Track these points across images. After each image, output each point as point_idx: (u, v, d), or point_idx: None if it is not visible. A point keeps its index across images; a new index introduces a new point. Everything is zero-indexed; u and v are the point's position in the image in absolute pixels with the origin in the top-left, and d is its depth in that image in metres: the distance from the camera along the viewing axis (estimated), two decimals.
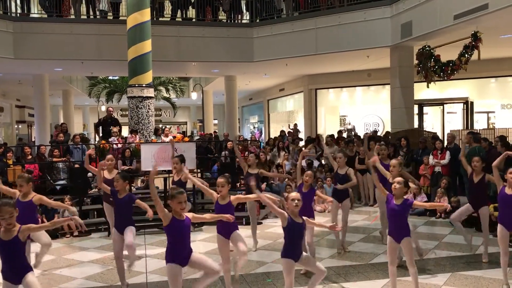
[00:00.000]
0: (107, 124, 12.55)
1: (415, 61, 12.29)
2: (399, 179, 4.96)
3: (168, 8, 15.25)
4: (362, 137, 13.31)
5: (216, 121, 31.45)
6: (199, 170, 11.17)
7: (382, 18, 12.65)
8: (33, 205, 5.54)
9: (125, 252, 5.53)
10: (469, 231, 6.84)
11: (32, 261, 5.72)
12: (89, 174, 9.67)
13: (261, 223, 9.17)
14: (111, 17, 14.64)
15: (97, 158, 9.64)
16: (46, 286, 5.85)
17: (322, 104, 19.93)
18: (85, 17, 14.69)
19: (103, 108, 26.04)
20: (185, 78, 26.23)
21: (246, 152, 11.87)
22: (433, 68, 11.49)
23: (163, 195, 9.27)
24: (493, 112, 17.28)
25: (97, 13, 14.67)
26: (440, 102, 17.15)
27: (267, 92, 25.02)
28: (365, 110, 19.42)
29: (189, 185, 7.13)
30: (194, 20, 15.28)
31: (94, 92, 23.96)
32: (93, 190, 9.86)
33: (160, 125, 19.60)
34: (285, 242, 4.39)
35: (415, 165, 10.75)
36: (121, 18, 14.23)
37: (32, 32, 13.53)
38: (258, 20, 15.23)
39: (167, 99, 25.96)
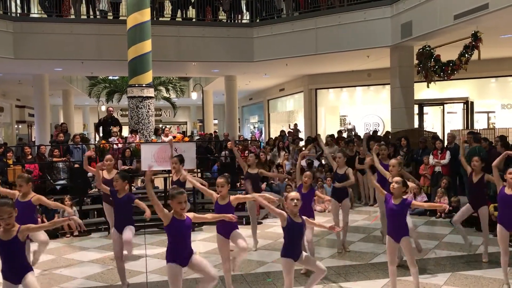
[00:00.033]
0: (107, 124, 12.55)
1: (415, 61, 12.28)
2: (397, 178, 4.97)
3: (168, 8, 15.25)
4: (362, 137, 13.31)
5: (216, 121, 31.45)
6: (199, 170, 11.17)
7: (382, 18, 12.65)
8: (32, 205, 5.55)
9: (125, 252, 5.54)
10: (469, 231, 6.83)
11: (30, 259, 5.72)
12: (89, 174, 9.67)
13: (261, 223, 9.17)
14: (111, 17, 14.64)
15: (97, 158, 9.64)
16: (46, 286, 5.85)
17: (322, 104, 19.93)
18: (85, 17, 14.69)
19: (103, 108, 26.04)
20: (185, 78, 26.23)
21: (246, 152, 11.88)
22: (433, 68, 11.48)
23: (163, 195, 9.28)
24: (493, 112, 17.27)
25: (97, 13, 14.68)
26: (440, 102, 17.15)
27: (267, 92, 25.02)
28: (365, 110, 19.42)
29: (188, 185, 7.13)
30: (194, 20, 15.28)
31: (94, 92, 23.96)
32: (93, 190, 9.85)
33: (160, 125, 19.60)
34: (285, 241, 4.39)
35: (415, 165, 10.75)
36: (121, 18, 14.23)
37: (32, 32, 13.53)
38: (258, 20, 15.23)
39: (167, 99, 25.96)
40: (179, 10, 15.13)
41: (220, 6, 15.47)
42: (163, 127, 14.50)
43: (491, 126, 16.50)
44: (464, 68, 10.89)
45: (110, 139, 11.42)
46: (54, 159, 10.54)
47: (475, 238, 7.25)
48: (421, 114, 17.17)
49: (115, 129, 11.73)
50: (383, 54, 13.45)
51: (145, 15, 11.87)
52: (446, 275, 5.90)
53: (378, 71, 16.66)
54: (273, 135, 21.12)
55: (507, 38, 11.68)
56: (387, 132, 14.06)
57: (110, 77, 24.02)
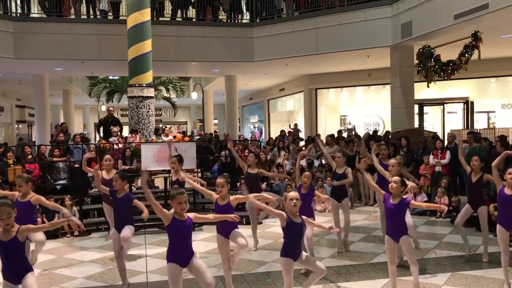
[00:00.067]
0: (108, 123, 12.55)
1: (415, 61, 12.28)
2: (395, 178, 4.97)
3: (168, 8, 15.25)
4: (362, 137, 13.32)
5: (216, 121, 31.46)
6: (199, 170, 11.18)
7: (382, 18, 12.65)
8: (32, 206, 5.54)
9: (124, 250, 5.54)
10: (469, 231, 6.83)
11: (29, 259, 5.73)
12: (89, 174, 9.67)
13: (261, 223, 9.17)
14: (111, 17, 14.64)
15: (97, 158, 9.64)
16: (47, 286, 5.86)
17: (322, 104, 19.94)
18: (85, 17, 14.70)
19: (103, 108, 26.04)
20: (185, 78, 26.23)
21: (246, 151, 11.89)
22: (434, 67, 11.49)
23: (163, 195, 9.29)
24: (494, 111, 17.28)
25: (97, 13, 14.68)
26: (440, 102, 17.15)
27: (267, 92, 25.02)
28: (365, 110, 19.42)
29: (188, 185, 7.14)
30: (194, 20, 15.28)
31: (94, 92, 23.96)
32: (93, 189, 9.85)
33: (160, 125, 19.62)
34: (284, 241, 4.40)
35: (416, 165, 10.74)
36: (121, 18, 14.24)
37: (32, 32, 13.53)
38: (258, 20, 15.24)
39: (167, 99, 25.96)
40: (179, 10, 15.13)
41: (220, 6, 15.48)
42: (163, 127, 14.50)
43: (491, 126, 16.50)
44: (464, 68, 10.89)
45: (110, 139, 11.42)
46: (54, 159, 10.54)
47: (475, 238, 7.25)
48: (421, 114, 17.17)
49: (115, 129, 11.74)
50: (383, 54, 13.45)
51: (145, 15, 11.88)
52: (446, 275, 5.89)
53: (378, 71, 16.66)
54: (273, 135, 21.12)
55: (507, 38, 11.68)
56: (387, 132, 14.06)
57: (110, 77, 24.03)
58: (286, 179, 10.27)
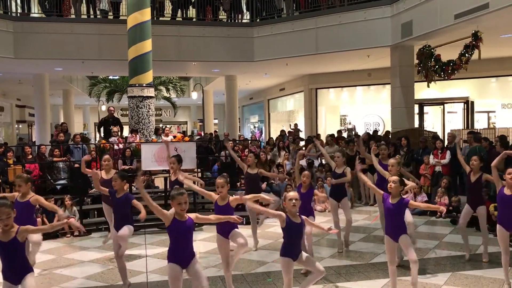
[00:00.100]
0: (108, 123, 12.55)
1: (416, 61, 12.28)
2: (394, 178, 4.96)
3: (168, 7, 15.25)
4: (360, 137, 13.32)
5: (216, 121, 31.46)
6: (199, 170, 11.18)
7: (382, 18, 12.64)
8: (31, 206, 5.52)
9: (126, 252, 5.54)
10: (469, 231, 6.83)
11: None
12: (89, 174, 9.66)
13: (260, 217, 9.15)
14: (111, 17, 14.65)
15: (97, 158, 9.64)
16: (47, 286, 5.86)
17: (322, 103, 19.94)
18: (86, 16, 14.70)
19: (104, 108, 26.04)
20: (185, 77, 26.23)
21: (246, 150, 11.89)
22: (434, 67, 11.48)
23: (163, 194, 9.29)
24: (494, 111, 17.27)
25: (98, 12, 14.68)
26: (440, 102, 17.15)
27: (267, 91, 25.02)
28: (365, 109, 19.42)
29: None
30: (194, 19, 15.29)
31: (94, 91, 23.97)
32: (93, 189, 9.83)
33: (161, 125, 19.62)
34: (284, 241, 4.40)
35: (416, 165, 10.74)
36: (121, 17, 14.24)
37: (32, 32, 13.53)
38: (258, 20, 15.23)
39: (168, 99, 25.97)
40: (179, 9, 15.13)
41: (220, 5, 15.48)
42: (164, 127, 14.50)
43: (491, 125, 16.50)
44: (465, 67, 10.89)
45: (110, 139, 11.42)
46: (55, 159, 10.54)
47: (475, 238, 7.24)
48: (421, 113, 17.17)
49: (115, 128, 11.74)
50: (383, 54, 13.45)
51: (146, 14, 11.88)
52: (446, 275, 5.89)
53: (378, 70, 16.66)
54: (273, 135, 21.12)
55: (507, 38, 11.67)
56: (387, 132, 14.06)
57: (111, 77, 24.03)
58: (286, 179, 10.26)
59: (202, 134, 21.18)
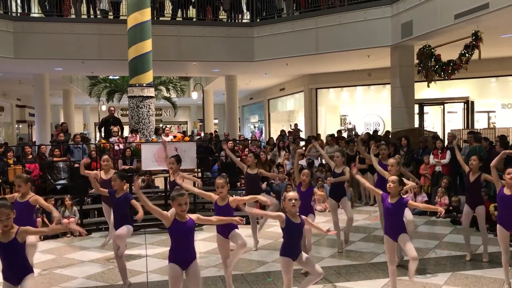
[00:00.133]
0: (109, 123, 12.55)
1: (416, 61, 12.28)
2: (393, 178, 4.97)
3: (168, 7, 15.25)
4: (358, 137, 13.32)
5: (216, 121, 31.45)
6: (199, 170, 11.18)
7: (382, 18, 12.64)
8: (31, 206, 5.51)
9: (126, 252, 5.54)
10: (470, 231, 6.83)
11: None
12: None
13: (260, 219, 9.15)
14: (111, 17, 14.64)
15: (97, 158, 9.64)
16: (47, 286, 5.86)
17: (322, 103, 19.93)
18: (86, 16, 14.70)
19: (104, 108, 26.04)
20: (185, 77, 26.23)
21: (246, 150, 11.89)
22: (434, 67, 11.48)
23: (163, 194, 9.29)
24: (494, 111, 17.27)
25: (98, 12, 14.68)
26: (440, 102, 17.15)
27: (267, 91, 25.02)
28: (365, 109, 19.42)
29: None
30: (194, 19, 15.29)
31: (94, 91, 23.97)
32: (93, 189, 9.84)
33: (161, 125, 19.61)
34: (284, 241, 4.41)
35: (416, 165, 10.74)
36: (121, 17, 14.23)
37: (32, 32, 13.53)
38: (258, 20, 15.23)
39: (168, 99, 25.97)
40: (179, 9, 15.13)
41: (220, 5, 15.48)
42: (164, 127, 14.50)
43: (491, 125, 16.50)
44: (465, 67, 10.89)
45: (111, 139, 11.42)
46: (55, 159, 10.54)
47: (475, 238, 7.24)
48: (421, 113, 17.17)
49: (115, 128, 11.74)
50: (383, 54, 13.45)
51: (146, 14, 11.87)
52: (446, 274, 5.90)
53: (378, 70, 16.66)
54: (273, 135, 21.12)
55: (507, 38, 11.67)
56: (387, 132, 14.06)
57: (111, 77, 24.03)
58: (286, 179, 10.26)
59: (202, 134, 21.18)
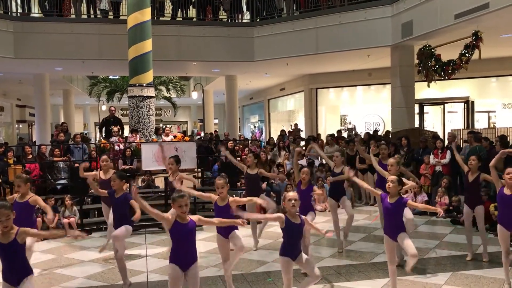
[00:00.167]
0: (110, 123, 12.55)
1: (416, 61, 12.28)
2: (392, 177, 4.97)
3: (168, 7, 15.25)
4: (362, 136, 13.32)
5: (216, 121, 31.45)
6: (199, 170, 11.18)
7: (382, 18, 12.64)
8: (30, 206, 5.50)
9: (126, 252, 5.54)
10: (472, 231, 6.83)
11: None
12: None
13: (260, 222, 9.14)
14: (111, 17, 14.64)
15: (97, 158, 9.64)
16: (47, 285, 5.86)
17: (322, 103, 19.93)
18: (86, 16, 14.70)
19: (104, 108, 26.03)
20: (185, 77, 26.23)
21: (246, 150, 11.89)
22: (434, 67, 11.48)
23: (163, 194, 9.29)
24: (494, 111, 17.28)
25: (98, 12, 14.68)
26: (440, 102, 17.15)
27: (267, 91, 25.02)
28: (365, 109, 19.41)
29: (186, 183, 7.13)
30: (194, 19, 15.29)
31: (94, 91, 23.97)
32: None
33: (161, 125, 19.60)
34: (284, 240, 4.41)
35: (416, 165, 10.74)
36: (121, 17, 14.24)
37: (32, 32, 13.53)
38: (258, 20, 15.22)
39: (168, 99, 25.96)
40: (179, 9, 15.13)
41: (220, 5, 15.48)
42: (164, 127, 14.50)
43: (491, 125, 16.50)
44: (465, 67, 10.88)
45: (111, 139, 11.42)
46: (55, 159, 10.54)
47: (475, 238, 7.22)
48: (421, 113, 17.17)
49: (115, 128, 11.74)
50: (383, 54, 13.45)
51: (146, 14, 11.88)
52: (446, 274, 5.90)
53: (378, 70, 16.65)
54: (273, 135, 21.11)
55: (507, 38, 11.67)
56: (388, 132, 14.06)
57: (111, 77, 24.03)
58: (286, 180, 10.26)
59: (202, 134, 21.17)
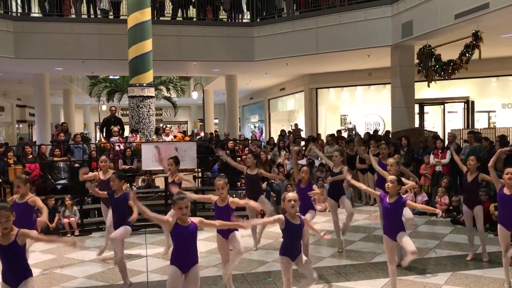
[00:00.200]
0: (110, 123, 12.56)
1: (416, 61, 12.28)
2: (392, 177, 4.97)
3: (168, 7, 15.25)
4: (362, 136, 13.31)
5: (216, 121, 31.44)
6: (199, 170, 11.18)
7: (382, 18, 12.64)
8: (30, 207, 5.49)
9: (126, 252, 5.54)
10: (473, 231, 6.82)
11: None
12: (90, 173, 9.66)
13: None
14: (111, 17, 14.64)
15: (97, 158, 9.64)
16: (47, 285, 5.86)
17: (322, 103, 19.94)
18: (86, 16, 14.70)
19: (104, 108, 26.02)
20: (185, 77, 26.23)
21: (246, 149, 11.89)
22: (434, 67, 11.48)
23: (163, 194, 9.29)
24: (494, 111, 17.27)
25: (98, 12, 14.68)
26: (440, 102, 17.15)
27: (267, 91, 25.02)
28: (365, 109, 19.42)
29: (185, 185, 7.14)
30: (194, 19, 15.29)
31: (94, 91, 23.97)
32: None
33: (161, 125, 19.61)
34: (283, 241, 4.42)
35: (416, 165, 10.73)
36: (121, 17, 14.24)
37: (32, 32, 13.54)
38: (258, 20, 15.23)
39: (168, 99, 25.96)
40: (179, 9, 15.13)
41: (220, 5, 15.48)
42: (164, 127, 14.50)
43: (491, 125, 16.50)
44: (465, 67, 10.88)
45: (111, 139, 11.43)
46: (55, 159, 10.54)
47: (476, 238, 7.23)
48: (421, 113, 17.17)
49: (115, 128, 11.74)
50: (383, 54, 13.45)
51: (146, 14, 11.88)
52: (446, 274, 5.90)
53: (378, 70, 16.65)
54: (273, 135, 21.11)
55: (507, 38, 11.67)
56: (388, 132, 14.06)
57: (111, 77, 24.03)
58: (286, 181, 10.26)
59: (202, 134, 21.16)
